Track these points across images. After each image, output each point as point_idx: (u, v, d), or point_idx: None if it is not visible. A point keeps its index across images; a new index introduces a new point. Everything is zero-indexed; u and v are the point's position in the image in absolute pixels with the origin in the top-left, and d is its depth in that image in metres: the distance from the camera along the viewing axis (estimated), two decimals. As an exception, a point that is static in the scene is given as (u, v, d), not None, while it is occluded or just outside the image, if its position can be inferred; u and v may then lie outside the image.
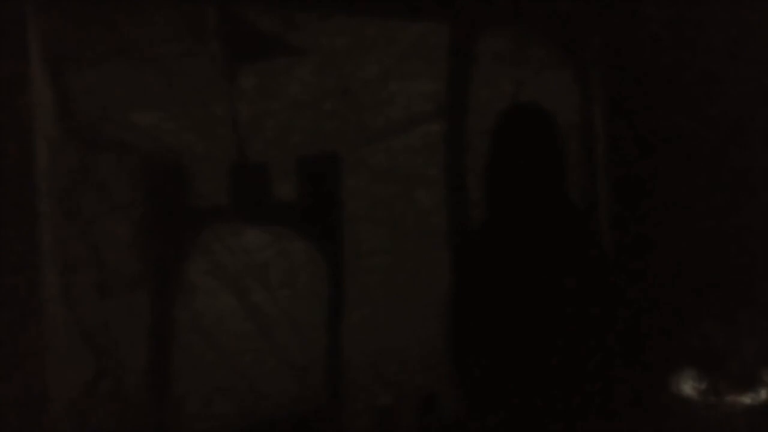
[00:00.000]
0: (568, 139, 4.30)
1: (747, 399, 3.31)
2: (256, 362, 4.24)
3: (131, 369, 4.21)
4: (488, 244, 4.16)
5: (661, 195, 4.13)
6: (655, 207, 4.15)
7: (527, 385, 3.89)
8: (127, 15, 4.17)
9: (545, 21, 4.44)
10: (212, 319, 4.27)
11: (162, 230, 4.27)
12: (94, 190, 4.20)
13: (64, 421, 4.08)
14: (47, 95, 4.08)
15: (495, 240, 4.14)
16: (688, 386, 3.38)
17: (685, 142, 4.05)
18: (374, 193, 4.40)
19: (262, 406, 4.23)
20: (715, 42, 3.88)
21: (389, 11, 4.36)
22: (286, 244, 4.34)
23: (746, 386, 3.31)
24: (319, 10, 4.32)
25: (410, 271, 4.40)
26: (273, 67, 4.36)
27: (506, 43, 4.52)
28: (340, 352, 4.30)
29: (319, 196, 4.37)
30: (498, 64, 4.50)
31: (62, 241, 4.13)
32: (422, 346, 4.33)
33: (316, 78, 4.37)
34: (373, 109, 4.40)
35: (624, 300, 3.99)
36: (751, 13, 3.73)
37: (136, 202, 4.23)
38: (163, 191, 4.28)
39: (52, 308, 4.09)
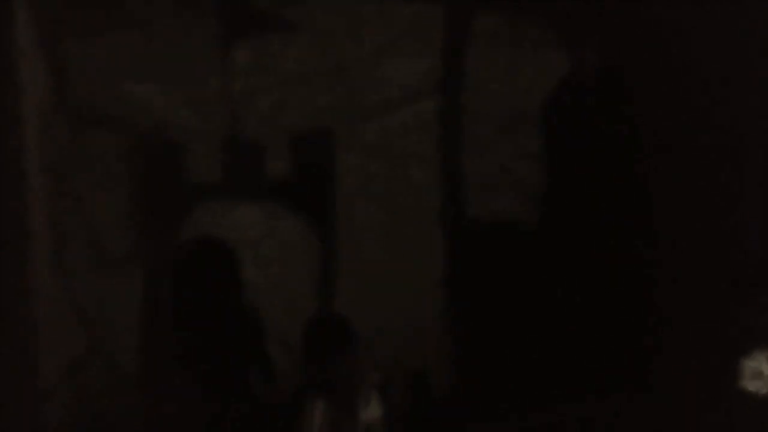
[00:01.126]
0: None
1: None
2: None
3: (123, 344, 4.22)
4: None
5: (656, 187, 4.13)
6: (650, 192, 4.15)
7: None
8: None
9: (541, 1, 4.42)
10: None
11: (154, 206, 4.27)
12: (86, 166, 4.19)
13: (56, 396, 4.09)
14: (39, 69, 4.07)
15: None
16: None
17: (683, 126, 4.06)
18: (368, 170, 4.39)
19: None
20: (713, 35, 3.87)
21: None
22: (278, 220, 4.34)
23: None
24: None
25: (403, 249, 4.39)
26: (267, 43, 4.34)
27: (501, 22, 4.50)
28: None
29: (312, 173, 4.37)
30: (493, 44, 4.49)
31: (54, 216, 4.13)
32: (415, 324, 4.33)
33: (311, 55, 4.36)
34: (368, 87, 4.39)
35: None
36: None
37: (129, 178, 4.23)
38: (155, 167, 4.28)
39: (43, 284, 4.10)
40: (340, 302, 4.35)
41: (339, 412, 3.58)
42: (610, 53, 4.35)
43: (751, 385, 3.39)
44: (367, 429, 3.57)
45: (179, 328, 4.08)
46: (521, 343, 3.97)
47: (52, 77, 4.11)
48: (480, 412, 4.01)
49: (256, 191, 4.32)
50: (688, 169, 4.01)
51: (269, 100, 4.33)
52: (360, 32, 4.39)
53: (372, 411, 3.62)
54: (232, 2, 4.30)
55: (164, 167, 4.29)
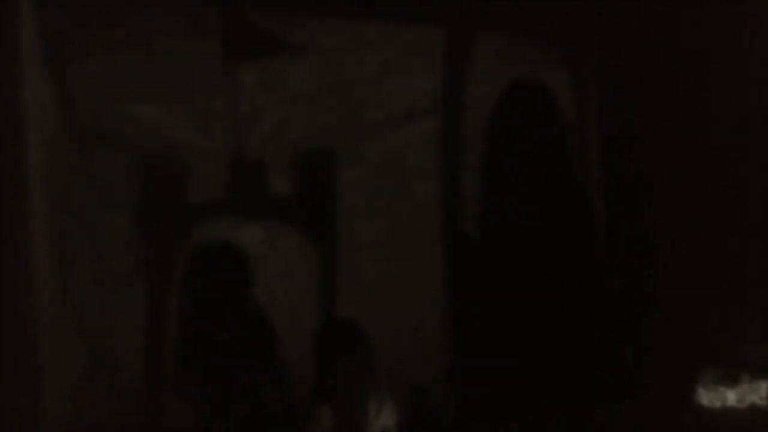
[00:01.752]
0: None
1: (752, 397, 3.35)
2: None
3: (127, 362, 4.24)
4: (487, 238, 4.19)
5: (656, 192, 4.14)
6: (650, 204, 4.16)
7: (526, 383, 3.92)
8: (129, 10, 4.22)
9: (542, 20, 4.46)
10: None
11: (159, 225, 4.31)
12: (90, 185, 4.23)
13: (59, 415, 4.10)
14: (44, 90, 4.11)
15: (494, 234, 4.17)
16: (704, 385, 3.41)
17: (681, 140, 4.07)
18: (370, 188, 4.42)
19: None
20: (710, 39, 3.89)
21: (388, 13, 4.40)
22: (281, 238, 4.37)
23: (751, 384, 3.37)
24: (318, 11, 4.36)
25: (405, 265, 4.42)
26: (272, 64, 4.39)
27: (503, 42, 4.54)
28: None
29: (315, 191, 4.40)
30: (495, 63, 4.52)
31: (59, 236, 4.16)
32: (416, 339, 4.35)
33: (315, 75, 4.40)
34: (370, 106, 4.43)
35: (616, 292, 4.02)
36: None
37: (133, 197, 4.27)
38: (160, 186, 4.32)
39: (47, 302, 4.12)
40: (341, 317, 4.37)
41: (349, 419, 3.55)
42: (610, 70, 4.38)
43: (706, 398, 3.42)
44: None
45: (189, 333, 4.08)
46: (522, 355, 3.97)
47: (58, 97, 4.16)
48: (480, 425, 4.01)
49: (260, 209, 4.36)
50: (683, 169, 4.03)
51: (273, 119, 4.38)
52: (363, 52, 4.44)
53: (385, 418, 3.59)
54: (238, 23, 4.35)
55: (169, 186, 4.33)
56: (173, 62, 4.28)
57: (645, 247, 4.16)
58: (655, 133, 4.16)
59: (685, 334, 3.82)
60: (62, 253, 4.17)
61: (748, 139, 3.83)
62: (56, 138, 4.15)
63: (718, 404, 3.40)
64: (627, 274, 4.18)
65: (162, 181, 4.32)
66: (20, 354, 3.90)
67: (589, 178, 4.42)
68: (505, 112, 4.12)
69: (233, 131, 4.33)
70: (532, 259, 4.13)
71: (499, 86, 4.43)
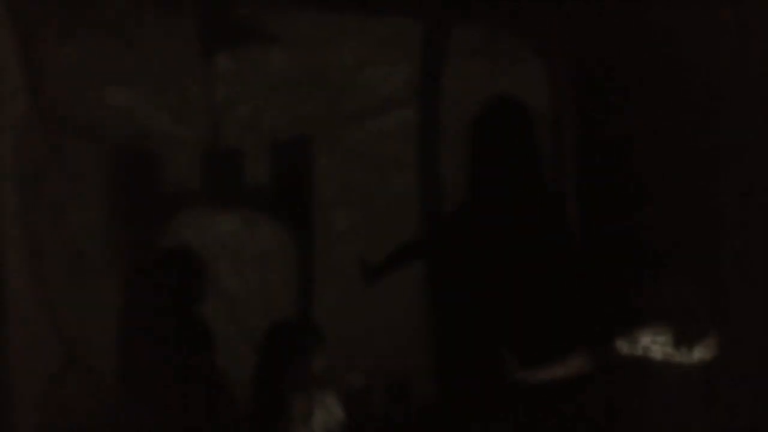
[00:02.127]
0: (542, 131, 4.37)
1: (698, 353, 3.50)
2: (226, 346, 4.23)
3: (103, 354, 4.18)
4: (463, 229, 4.21)
5: (631, 184, 4.18)
6: (623, 196, 4.20)
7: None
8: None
9: (518, 13, 4.48)
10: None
11: (133, 215, 4.26)
12: (64, 175, 4.18)
13: (34, 411, 4.05)
14: (17, 77, 4.05)
15: (470, 225, 4.19)
16: (647, 343, 3.55)
17: (653, 132, 4.11)
18: (347, 177, 4.41)
19: (232, 389, 4.23)
20: (684, 29, 3.93)
21: (366, 3, 4.40)
22: (257, 227, 4.35)
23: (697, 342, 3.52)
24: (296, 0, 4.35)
25: (382, 255, 4.40)
26: (248, 52, 4.37)
27: (480, 33, 4.55)
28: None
29: (292, 180, 4.38)
30: (471, 56, 4.53)
31: (31, 226, 4.10)
32: (394, 331, 4.34)
33: (291, 63, 4.39)
34: (347, 95, 4.42)
35: (588, 275, 4.06)
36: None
37: (107, 187, 4.22)
38: (134, 175, 4.27)
39: (20, 295, 4.06)
40: (319, 308, 4.36)
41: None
42: (587, 62, 4.40)
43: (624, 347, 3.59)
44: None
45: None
46: (501, 345, 3.97)
47: (30, 85, 4.10)
48: (460, 417, 4.00)
49: (236, 198, 4.34)
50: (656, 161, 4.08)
51: (250, 107, 4.35)
52: (340, 42, 4.42)
53: (330, 415, 3.54)
54: (214, 10, 4.32)
55: (143, 175, 4.29)
56: (148, 49, 4.24)
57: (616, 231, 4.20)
58: (629, 123, 4.19)
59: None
60: (34, 246, 4.11)
61: (720, 123, 3.87)
62: (27, 127, 4.10)
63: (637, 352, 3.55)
64: (600, 266, 4.21)
65: (136, 171, 4.28)
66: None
67: (565, 183, 4.45)
68: (483, 128, 4.18)
69: (209, 119, 4.30)
70: (509, 251, 4.15)
71: (475, 79, 4.47)
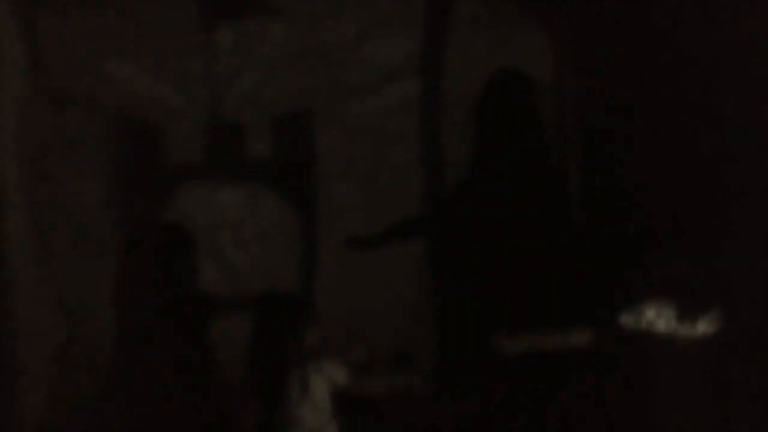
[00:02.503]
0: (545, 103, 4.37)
1: (701, 327, 3.55)
2: (227, 319, 4.24)
3: (105, 332, 4.19)
4: (466, 203, 4.22)
5: (634, 158, 4.17)
6: (627, 170, 4.19)
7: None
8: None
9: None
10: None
11: (135, 188, 4.26)
12: (65, 149, 4.17)
13: (37, 389, 4.06)
14: (16, 50, 4.03)
15: (472, 199, 4.20)
16: (652, 317, 3.59)
17: (658, 105, 4.09)
18: (349, 150, 4.39)
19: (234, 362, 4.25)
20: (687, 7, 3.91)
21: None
22: (259, 200, 4.34)
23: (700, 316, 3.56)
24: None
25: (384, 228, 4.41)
26: (249, 25, 4.34)
27: (481, 7, 4.52)
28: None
29: (294, 154, 4.36)
30: (474, 27, 4.50)
31: (33, 201, 4.10)
32: (396, 304, 4.34)
33: (292, 36, 4.36)
34: (349, 68, 4.39)
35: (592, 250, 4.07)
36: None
37: (109, 160, 4.21)
38: (136, 148, 4.26)
39: (23, 269, 4.07)
40: (322, 281, 4.36)
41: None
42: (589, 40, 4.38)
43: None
44: (313, 407, 3.50)
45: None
46: (503, 319, 3.99)
47: (30, 58, 4.09)
48: (461, 387, 4.03)
49: (238, 172, 4.32)
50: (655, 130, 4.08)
51: (251, 81, 4.33)
52: (342, 14, 4.40)
53: (316, 391, 3.56)
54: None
55: (145, 149, 4.27)
56: (148, 22, 4.21)
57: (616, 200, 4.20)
58: (630, 94, 4.17)
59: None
60: (37, 220, 4.12)
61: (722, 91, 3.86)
62: (29, 101, 4.09)
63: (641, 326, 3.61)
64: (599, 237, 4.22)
65: (138, 144, 4.26)
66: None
67: (568, 157, 4.44)
68: (488, 102, 4.17)
69: (210, 93, 4.28)
70: (512, 225, 4.16)
71: (478, 50, 4.45)
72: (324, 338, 3.55)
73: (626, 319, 3.64)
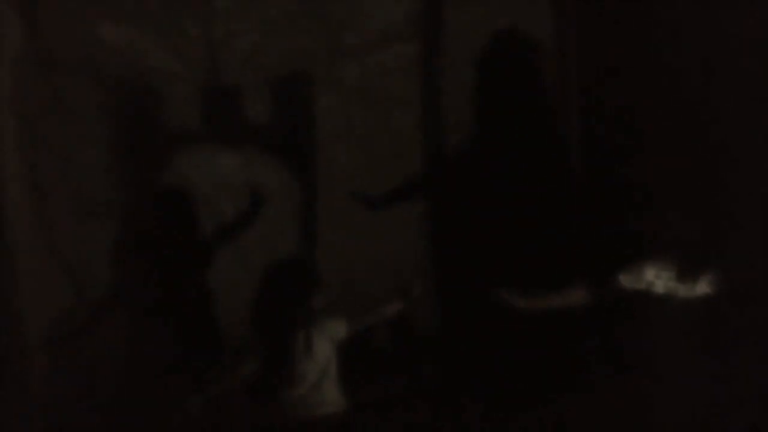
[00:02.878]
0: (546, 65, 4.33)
1: (701, 288, 3.56)
2: (227, 285, 4.24)
3: (106, 292, 4.19)
4: (467, 163, 4.20)
5: (634, 119, 4.16)
6: (627, 130, 4.17)
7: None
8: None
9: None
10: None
11: (134, 153, 4.26)
12: (63, 113, 4.17)
13: (41, 353, 4.08)
14: (12, 14, 4.03)
15: (473, 160, 4.18)
16: (651, 277, 3.60)
17: (656, 67, 4.07)
18: (348, 113, 4.37)
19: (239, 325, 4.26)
20: None
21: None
22: (258, 165, 4.33)
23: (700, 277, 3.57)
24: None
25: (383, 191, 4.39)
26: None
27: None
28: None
29: (292, 117, 4.35)
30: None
31: (32, 166, 4.10)
32: (396, 265, 4.34)
33: (290, -3, 4.34)
34: (347, 30, 4.36)
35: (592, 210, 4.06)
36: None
37: (107, 125, 4.21)
38: (134, 113, 4.26)
39: (24, 235, 4.08)
40: (321, 245, 4.35)
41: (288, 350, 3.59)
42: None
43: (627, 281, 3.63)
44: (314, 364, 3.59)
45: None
46: (502, 281, 3.98)
47: (26, 22, 4.08)
48: (461, 351, 4.03)
49: (236, 136, 4.31)
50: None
51: (248, 43, 4.31)
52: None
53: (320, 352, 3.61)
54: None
55: (143, 113, 4.27)
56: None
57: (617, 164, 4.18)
58: (631, 52, 4.14)
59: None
60: (37, 183, 4.12)
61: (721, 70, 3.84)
62: (26, 65, 4.08)
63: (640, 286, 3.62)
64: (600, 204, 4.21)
65: (135, 108, 4.25)
66: (1, 291, 3.89)
67: (569, 117, 4.41)
68: (489, 64, 4.14)
69: (207, 56, 4.26)
70: (512, 186, 4.14)
71: (479, 10, 4.41)
72: (328, 301, 3.65)
73: (625, 279, 3.64)
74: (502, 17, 4.38)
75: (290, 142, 4.35)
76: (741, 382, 3.44)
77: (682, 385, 3.51)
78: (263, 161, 4.34)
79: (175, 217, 4.12)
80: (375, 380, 3.98)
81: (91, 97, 4.21)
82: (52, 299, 4.15)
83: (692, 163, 3.81)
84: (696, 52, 3.81)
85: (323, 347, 3.62)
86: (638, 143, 3.99)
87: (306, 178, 4.37)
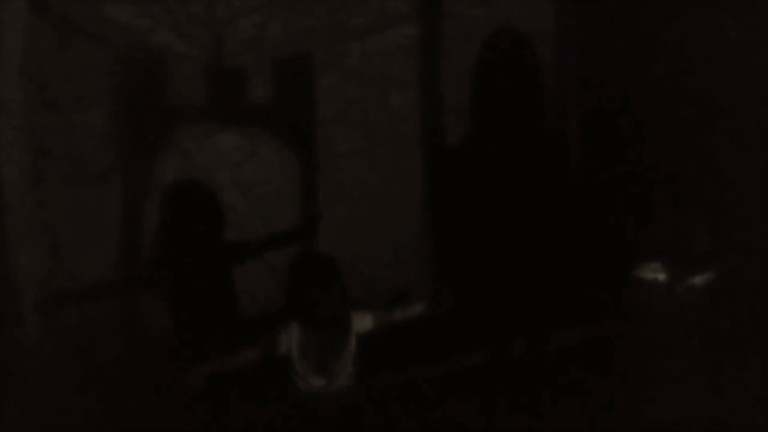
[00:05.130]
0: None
1: (698, 281, 3.63)
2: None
3: (98, 263, 4.22)
4: (465, 158, 4.26)
5: (633, 115, 4.21)
6: (625, 126, 4.23)
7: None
8: None
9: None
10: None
11: (136, 125, 4.24)
12: (69, 77, 4.12)
13: (34, 314, 4.09)
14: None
15: (472, 155, 4.24)
16: (651, 271, 3.67)
17: (654, 51, 4.11)
18: (348, 94, 4.40)
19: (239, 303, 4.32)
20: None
21: None
22: (259, 144, 4.35)
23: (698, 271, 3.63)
24: None
25: (384, 173, 4.45)
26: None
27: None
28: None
29: (293, 97, 4.36)
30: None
31: (33, 126, 4.07)
32: (395, 245, 4.41)
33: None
34: (349, 11, 4.37)
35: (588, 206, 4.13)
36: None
37: (111, 94, 4.18)
38: (138, 86, 4.23)
39: (18, 196, 4.06)
40: (321, 226, 4.41)
41: (323, 346, 3.65)
42: None
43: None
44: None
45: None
46: (502, 264, 4.06)
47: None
48: (461, 333, 4.11)
49: (238, 114, 4.32)
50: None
51: (251, 23, 4.30)
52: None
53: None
54: None
55: (146, 87, 4.24)
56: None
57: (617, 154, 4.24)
58: (631, 44, 4.19)
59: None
60: (36, 144, 4.08)
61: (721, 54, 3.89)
62: (32, 30, 4.02)
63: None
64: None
65: (139, 83, 4.23)
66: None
67: (567, 112, 4.47)
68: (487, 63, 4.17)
69: (210, 35, 4.25)
70: (510, 171, 4.21)
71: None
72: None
73: (626, 279, 3.70)
74: (503, 2, 4.44)
75: (291, 121, 4.37)
76: (741, 382, 3.52)
77: (682, 384, 3.58)
78: (264, 139, 4.36)
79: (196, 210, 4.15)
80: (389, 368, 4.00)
81: (96, 64, 4.15)
82: (41, 264, 4.14)
83: (692, 154, 3.87)
84: (697, 47, 3.84)
85: (349, 340, 3.66)
86: (638, 138, 4.06)
87: (306, 157, 4.40)
